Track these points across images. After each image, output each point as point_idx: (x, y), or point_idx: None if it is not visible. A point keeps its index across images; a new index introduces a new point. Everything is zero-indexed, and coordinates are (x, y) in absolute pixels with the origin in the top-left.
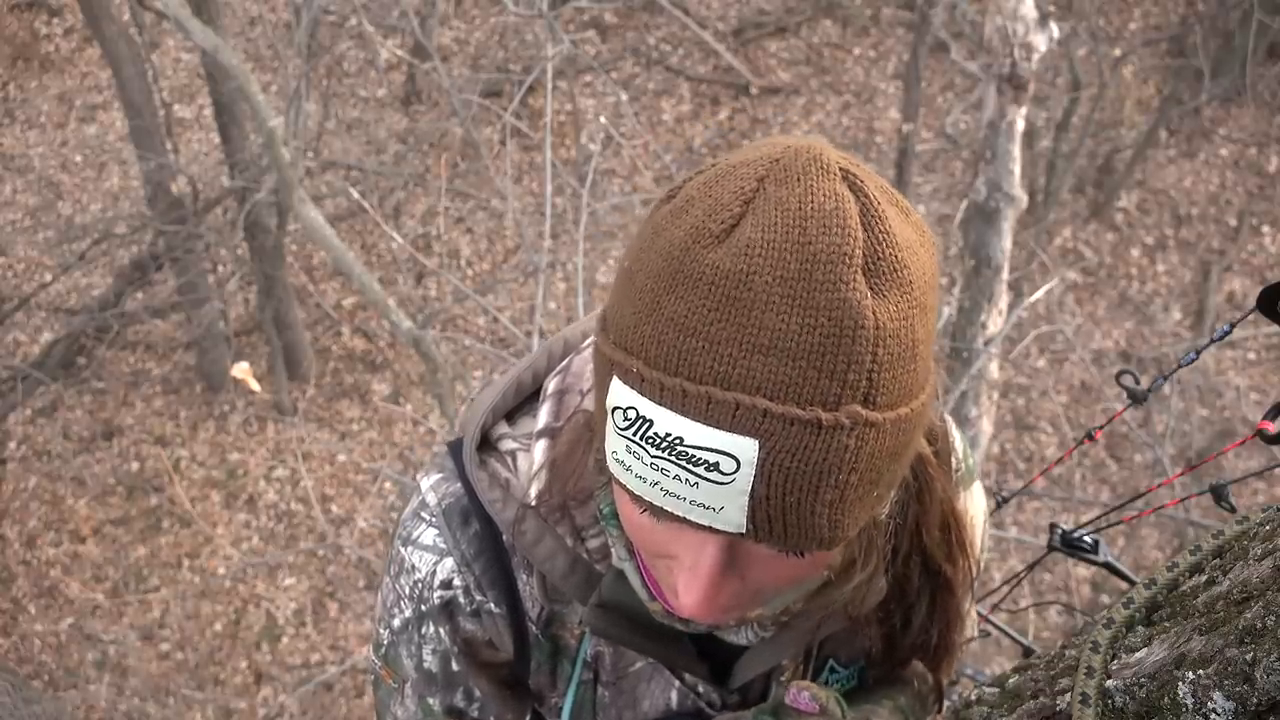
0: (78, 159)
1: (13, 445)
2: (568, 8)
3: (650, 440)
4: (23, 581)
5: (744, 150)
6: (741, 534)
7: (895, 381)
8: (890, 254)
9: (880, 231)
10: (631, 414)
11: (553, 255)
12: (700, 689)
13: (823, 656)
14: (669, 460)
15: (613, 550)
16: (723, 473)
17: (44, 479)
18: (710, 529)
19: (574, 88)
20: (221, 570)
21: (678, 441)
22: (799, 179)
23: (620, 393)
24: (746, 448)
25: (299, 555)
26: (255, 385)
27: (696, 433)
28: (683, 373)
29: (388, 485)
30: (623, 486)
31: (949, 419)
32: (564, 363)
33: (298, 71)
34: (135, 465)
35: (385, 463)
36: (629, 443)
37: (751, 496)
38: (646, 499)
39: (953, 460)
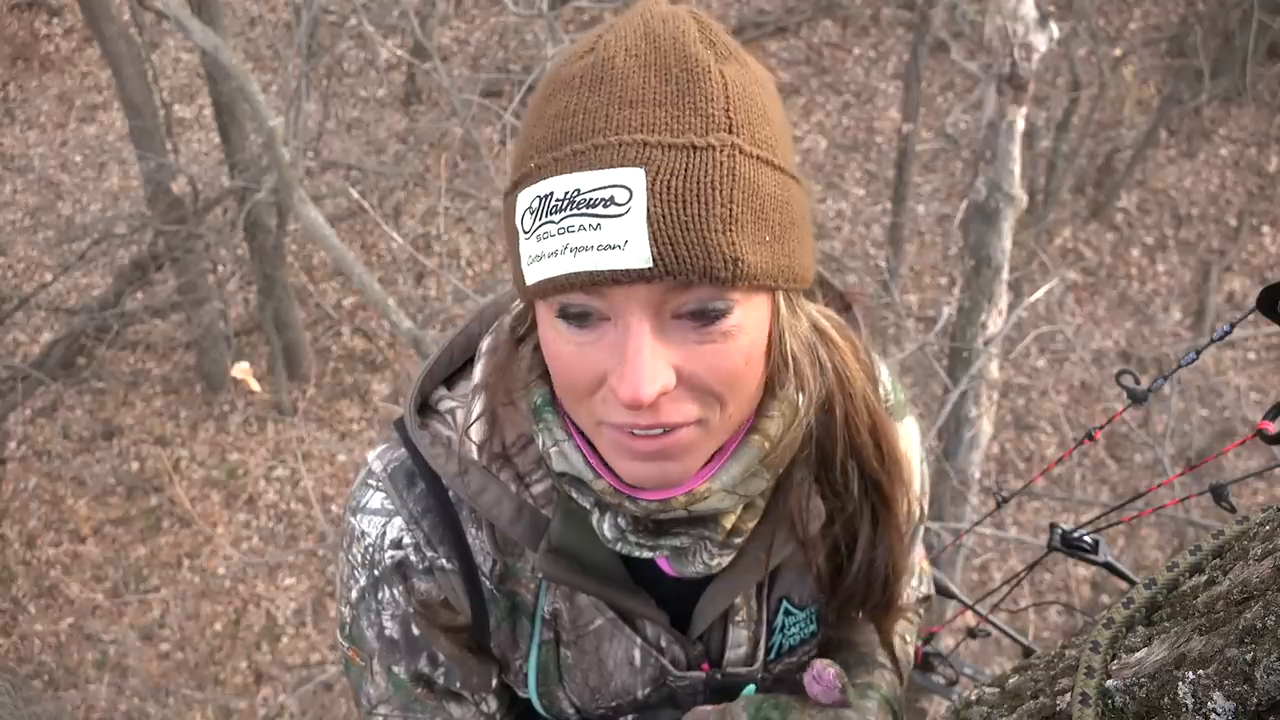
0: (78, 159)
1: (13, 445)
2: (568, 8)
3: (554, 209)
4: (23, 581)
5: None
6: (650, 269)
7: (753, 127)
8: (724, 42)
9: (714, 31)
10: (535, 204)
11: None
12: (663, 643)
13: (775, 597)
14: (571, 214)
15: (550, 439)
16: (618, 204)
17: (44, 479)
18: (623, 276)
19: None
20: (221, 570)
21: (575, 194)
22: (642, 8)
23: (523, 198)
24: (635, 176)
25: (299, 555)
26: (255, 385)
27: (590, 179)
28: (570, 142)
29: None
30: (542, 283)
31: (876, 356)
32: (496, 323)
33: (298, 71)
34: (135, 465)
35: None
36: (537, 232)
37: (649, 221)
38: (560, 273)
39: (880, 390)
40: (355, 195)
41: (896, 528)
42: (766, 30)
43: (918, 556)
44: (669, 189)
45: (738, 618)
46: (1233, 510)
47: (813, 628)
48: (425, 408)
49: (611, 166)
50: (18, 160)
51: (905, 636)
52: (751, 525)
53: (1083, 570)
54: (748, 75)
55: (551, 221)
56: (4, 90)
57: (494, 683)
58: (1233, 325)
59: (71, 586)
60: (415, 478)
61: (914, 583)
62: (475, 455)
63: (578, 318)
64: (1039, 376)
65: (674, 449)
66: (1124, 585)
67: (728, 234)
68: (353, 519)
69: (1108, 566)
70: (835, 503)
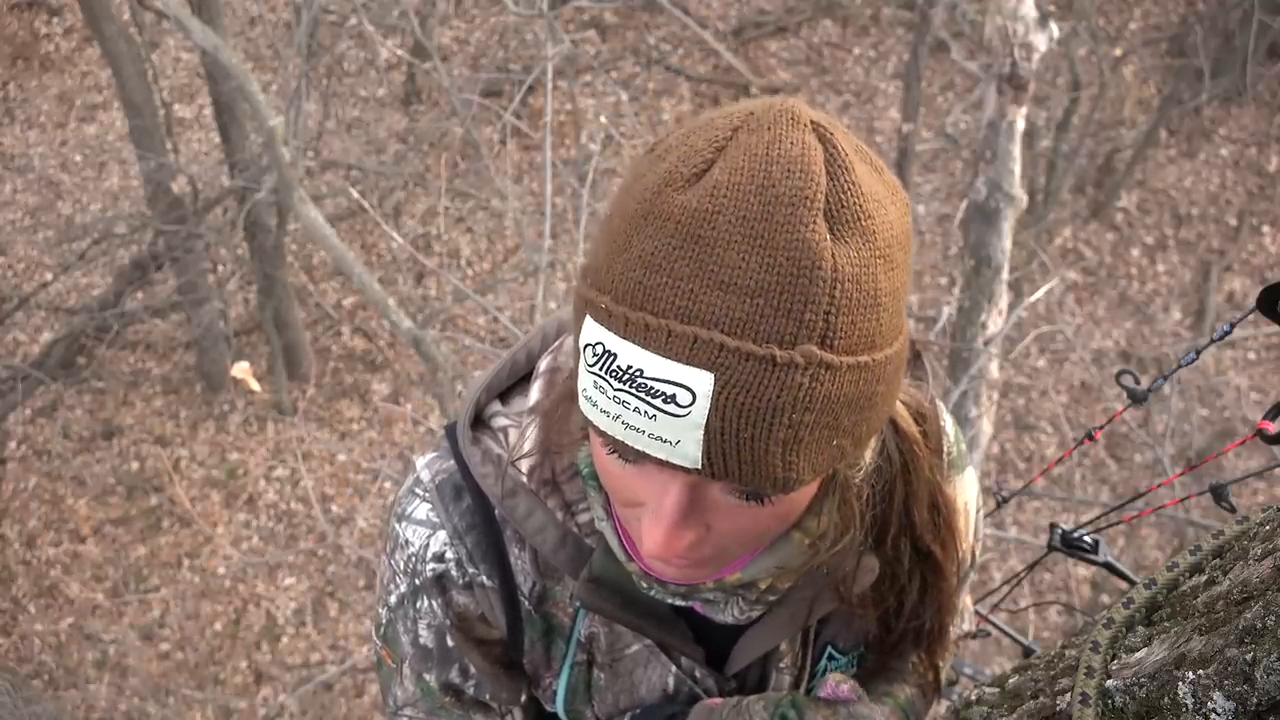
0: (78, 159)
1: (13, 445)
2: (568, 8)
3: (614, 373)
4: (23, 581)
5: (727, 106)
6: (698, 470)
7: (854, 327)
8: (854, 202)
9: (845, 181)
10: (599, 349)
11: (553, 255)
12: (697, 674)
13: (821, 643)
14: (629, 392)
15: (595, 510)
16: (679, 405)
17: (44, 479)
18: (669, 464)
19: (574, 88)
20: (221, 570)
21: (638, 373)
22: (769, 128)
23: (590, 329)
24: (702, 380)
25: (299, 555)
26: (255, 385)
27: (655, 365)
28: (646, 307)
29: (387, 485)
30: (592, 425)
31: (940, 404)
32: (557, 342)
33: (298, 71)
34: (135, 465)
35: (385, 463)
36: (596, 378)
37: (706, 430)
38: (610, 434)
39: (944, 444)
40: (355, 195)
41: (946, 591)
42: (766, 30)
43: (962, 598)
44: (734, 404)
45: (782, 664)
46: (1233, 510)
47: (854, 670)
48: (478, 421)
49: (681, 362)
50: (18, 160)
51: (939, 665)
52: (787, 586)
53: (1083, 570)
54: (869, 251)
55: (609, 384)
56: (4, 90)
57: (522, 697)
58: (1233, 325)
59: (71, 586)
60: (462, 492)
61: (956, 620)
62: (524, 479)
63: (623, 456)
64: (1039, 376)
65: (698, 565)
66: (1124, 585)
67: (786, 456)
68: (398, 525)
69: (1108, 566)
70: (886, 569)
